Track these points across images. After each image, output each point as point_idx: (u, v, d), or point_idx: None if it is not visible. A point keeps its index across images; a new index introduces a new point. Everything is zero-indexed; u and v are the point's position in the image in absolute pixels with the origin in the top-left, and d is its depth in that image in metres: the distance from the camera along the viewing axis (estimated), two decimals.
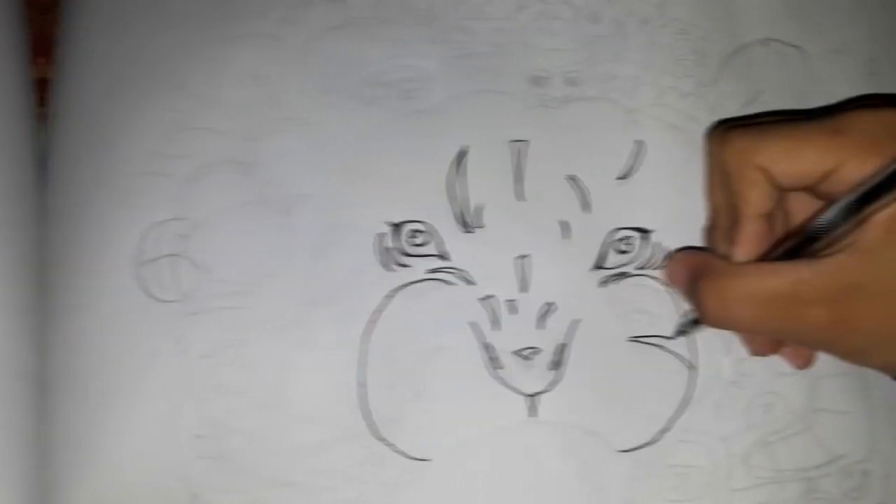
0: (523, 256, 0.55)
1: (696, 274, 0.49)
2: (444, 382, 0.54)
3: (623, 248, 0.56)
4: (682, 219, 0.55)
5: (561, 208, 0.56)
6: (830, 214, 0.45)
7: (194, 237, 0.55)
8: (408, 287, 0.55)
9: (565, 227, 0.55)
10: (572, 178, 0.56)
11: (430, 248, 0.55)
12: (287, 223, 0.55)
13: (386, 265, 0.55)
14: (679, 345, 0.55)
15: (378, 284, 0.55)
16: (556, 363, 0.54)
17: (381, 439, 0.53)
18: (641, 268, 0.56)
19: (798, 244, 0.47)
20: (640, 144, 0.57)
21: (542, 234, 0.55)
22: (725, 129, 0.50)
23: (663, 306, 0.55)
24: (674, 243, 0.56)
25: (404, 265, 0.55)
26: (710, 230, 0.54)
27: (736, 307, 0.46)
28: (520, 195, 0.56)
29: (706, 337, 0.54)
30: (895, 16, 0.60)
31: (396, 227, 0.55)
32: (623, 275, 0.55)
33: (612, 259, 0.55)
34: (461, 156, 0.56)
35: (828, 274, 0.44)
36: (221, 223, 0.55)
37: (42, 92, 0.58)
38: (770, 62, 0.59)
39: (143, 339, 0.54)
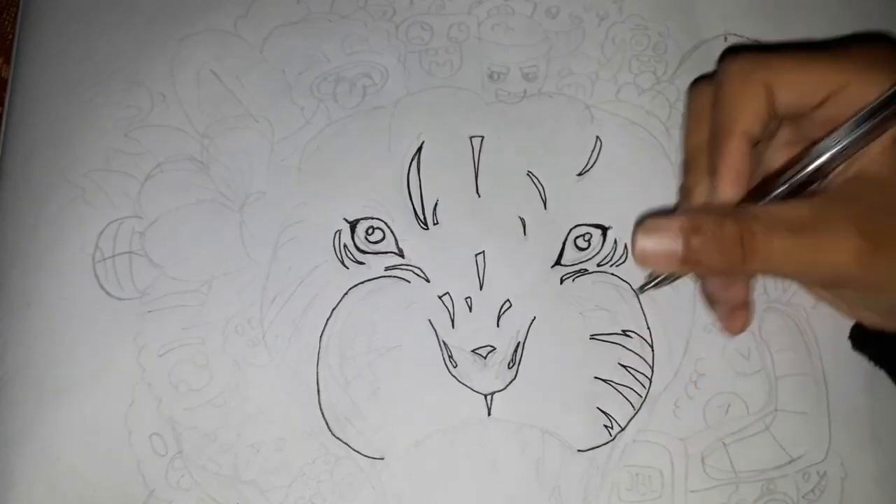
0: (481, 253, 0.54)
1: (700, 225, 0.44)
2: (401, 380, 0.54)
3: (582, 244, 0.55)
4: (640, 214, 0.55)
5: (519, 204, 0.56)
6: (835, 136, 0.44)
7: (151, 235, 0.55)
8: (364, 284, 0.55)
9: (524, 224, 0.55)
10: (531, 174, 0.55)
11: (386, 245, 0.55)
12: (244, 220, 0.55)
13: (343, 262, 0.55)
14: (640, 344, 0.54)
15: (335, 282, 0.55)
16: (514, 362, 0.53)
17: (337, 437, 0.53)
18: (601, 264, 0.55)
19: (796, 174, 0.45)
20: (598, 140, 0.56)
21: (500, 231, 0.55)
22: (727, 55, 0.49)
23: (623, 303, 0.55)
24: None
25: (361, 262, 0.55)
26: (685, 175, 0.52)
27: (761, 242, 0.43)
28: (478, 191, 0.55)
29: (666, 337, 0.54)
30: (854, 10, 0.60)
31: (353, 224, 0.55)
32: (583, 272, 0.55)
33: (572, 256, 0.55)
34: (418, 152, 0.56)
35: (849, 198, 0.43)
36: (178, 221, 0.55)
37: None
38: None
39: (99, 337, 0.54)
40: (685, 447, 0.53)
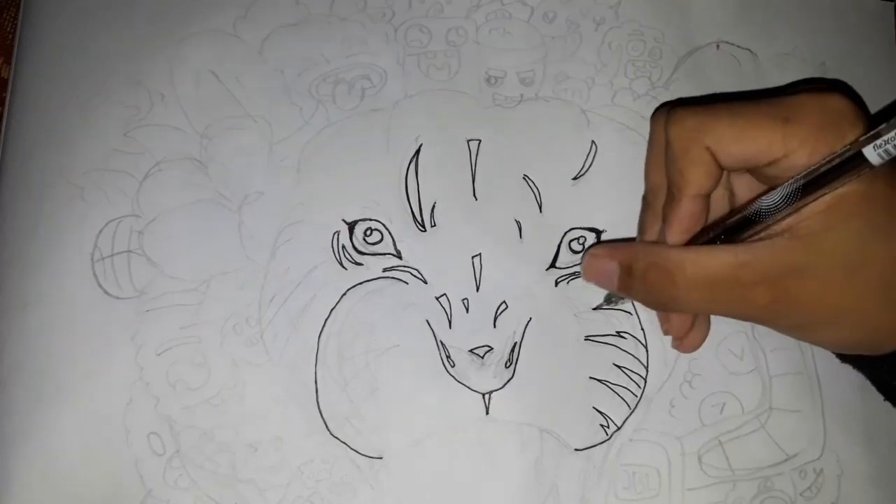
0: (478, 255, 0.55)
1: (631, 264, 0.49)
2: (399, 380, 0.54)
3: (577, 247, 0.56)
4: (634, 218, 0.55)
5: (516, 208, 0.56)
6: (774, 198, 0.45)
7: (150, 234, 0.55)
8: (363, 285, 0.55)
9: (520, 227, 0.56)
10: (527, 178, 0.56)
11: (384, 247, 0.55)
12: (242, 220, 0.55)
13: (341, 263, 0.55)
14: (634, 345, 0.55)
15: (333, 282, 0.55)
16: (511, 361, 0.54)
17: (335, 437, 0.53)
18: None
19: (736, 225, 0.47)
20: (593, 145, 0.57)
21: (496, 234, 0.56)
22: (674, 107, 0.49)
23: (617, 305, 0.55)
24: None
25: (359, 263, 0.55)
26: (643, 211, 0.54)
27: (681, 292, 0.47)
28: (475, 194, 0.56)
29: (660, 338, 0.55)
30: (843, 21, 0.61)
31: (351, 225, 0.55)
32: (577, 274, 0.56)
33: (566, 258, 0.56)
34: (416, 154, 0.56)
35: (768, 257, 0.45)
36: (177, 220, 0.55)
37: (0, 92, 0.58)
38: (722, 64, 0.59)
39: (98, 336, 0.53)
40: (682, 446, 0.54)
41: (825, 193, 0.44)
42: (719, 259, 0.46)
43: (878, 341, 0.47)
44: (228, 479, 0.52)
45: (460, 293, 0.55)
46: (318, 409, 0.53)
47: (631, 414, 0.54)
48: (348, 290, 0.55)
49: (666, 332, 0.54)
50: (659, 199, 0.52)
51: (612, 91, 0.58)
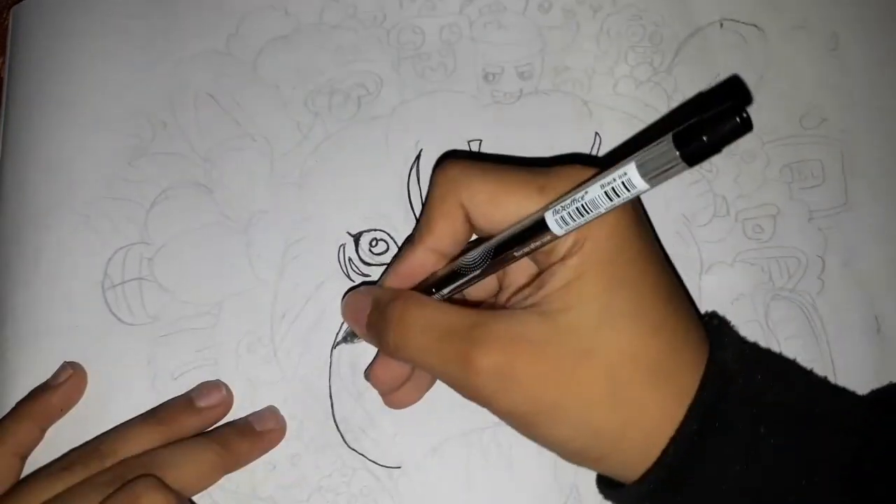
0: None
1: (383, 302, 0.48)
2: None
3: None
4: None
5: None
6: (473, 255, 0.45)
7: (160, 260, 0.55)
8: None
9: None
10: None
11: (391, 256, 0.55)
12: (249, 240, 0.55)
13: (349, 276, 0.55)
14: None
15: (342, 295, 0.55)
16: None
17: (353, 449, 0.53)
18: None
19: (444, 278, 0.47)
20: (597, 136, 0.56)
21: None
22: (450, 157, 0.49)
23: None
24: None
25: (366, 275, 0.55)
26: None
27: (414, 334, 0.45)
28: None
29: None
30: None
31: (356, 237, 0.55)
32: None
33: None
34: (417, 160, 0.55)
35: (505, 323, 0.43)
36: (186, 245, 0.56)
37: None
38: (728, 44, 0.57)
39: (114, 364, 0.54)
40: None
41: (516, 259, 0.43)
42: (460, 313, 0.44)
43: (601, 449, 0.44)
44: (248, 499, 0.53)
45: None
46: (335, 422, 0.54)
47: None
48: None
49: (376, 382, 0.52)
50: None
51: (613, 80, 0.57)
